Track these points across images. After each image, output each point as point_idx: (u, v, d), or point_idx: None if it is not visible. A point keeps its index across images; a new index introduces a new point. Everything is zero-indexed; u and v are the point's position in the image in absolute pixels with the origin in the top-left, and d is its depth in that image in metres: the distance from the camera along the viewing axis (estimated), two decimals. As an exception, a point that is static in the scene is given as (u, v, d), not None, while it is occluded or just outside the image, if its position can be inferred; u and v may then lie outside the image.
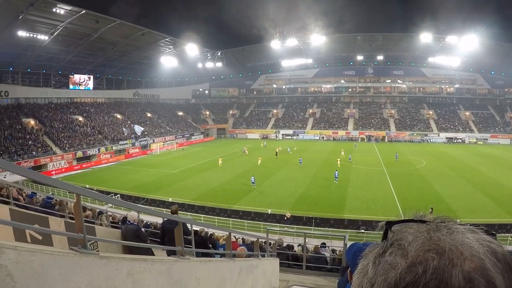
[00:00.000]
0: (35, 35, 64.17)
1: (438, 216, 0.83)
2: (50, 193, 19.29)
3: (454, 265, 0.67)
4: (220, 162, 56.70)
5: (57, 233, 6.48)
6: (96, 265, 3.18)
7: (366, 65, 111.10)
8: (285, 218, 30.18)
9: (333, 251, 16.64)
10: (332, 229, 28.51)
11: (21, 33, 61.45)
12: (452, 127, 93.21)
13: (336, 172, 45.31)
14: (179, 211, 9.36)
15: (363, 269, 0.79)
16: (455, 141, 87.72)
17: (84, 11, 62.16)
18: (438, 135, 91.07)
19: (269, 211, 32.74)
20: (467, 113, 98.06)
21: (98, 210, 14.63)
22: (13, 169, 2.97)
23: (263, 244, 12.55)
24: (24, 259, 2.53)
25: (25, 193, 12.47)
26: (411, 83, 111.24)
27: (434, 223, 0.79)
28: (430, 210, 26.68)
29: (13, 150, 54.89)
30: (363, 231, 27.84)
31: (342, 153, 61.99)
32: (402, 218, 0.85)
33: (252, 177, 43.98)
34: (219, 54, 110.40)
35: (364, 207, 34.71)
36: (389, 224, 0.84)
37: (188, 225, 6.82)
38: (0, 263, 2.38)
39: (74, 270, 2.94)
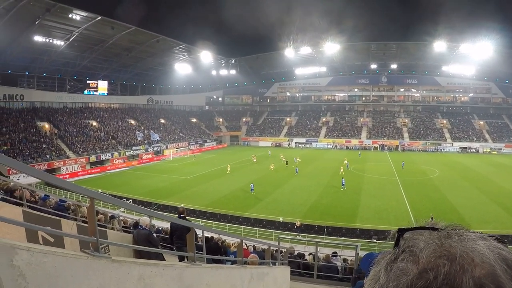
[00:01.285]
0: (51, 40, 65.07)
1: (449, 224, 0.84)
2: (63, 196, 19.42)
3: (465, 271, 0.68)
4: (228, 169, 56.63)
5: (71, 235, 6.52)
6: (108, 268, 3.18)
7: (380, 74, 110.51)
8: (295, 226, 30.08)
9: (345, 260, 16.49)
10: (343, 238, 28.35)
11: (37, 38, 62.38)
12: (466, 136, 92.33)
13: (343, 179, 45.87)
14: (190, 218, 9.34)
15: (375, 276, 0.80)
16: (469, 150, 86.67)
17: (99, 18, 62.95)
18: (452, 145, 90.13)
19: (281, 219, 32.69)
20: (481, 123, 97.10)
21: (110, 215, 14.69)
22: (31, 171, 2.99)
23: (274, 252, 12.50)
24: (37, 260, 2.53)
25: (37, 195, 12.56)
26: (425, 92, 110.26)
27: (445, 231, 0.80)
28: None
29: (27, 153, 55.44)
30: (375, 240, 27.62)
31: (346, 161, 61.86)
32: (414, 226, 0.87)
33: (252, 184, 44.38)
34: (233, 61, 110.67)
35: (377, 216, 34.42)
36: (401, 231, 0.86)
37: (199, 232, 6.82)
38: (13, 263, 2.38)
39: (86, 273, 2.94)
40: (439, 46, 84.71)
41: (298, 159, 64.09)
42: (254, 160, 67.70)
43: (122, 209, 30.14)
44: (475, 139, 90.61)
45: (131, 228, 13.50)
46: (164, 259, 7.78)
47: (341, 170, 54.38)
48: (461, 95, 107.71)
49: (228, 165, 58.06)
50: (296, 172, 54.59)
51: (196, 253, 5.43)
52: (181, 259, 8.43)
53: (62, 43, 67.21)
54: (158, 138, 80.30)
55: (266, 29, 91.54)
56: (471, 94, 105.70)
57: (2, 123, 60.92)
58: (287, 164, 60.81)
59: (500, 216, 33.77)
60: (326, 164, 62.12)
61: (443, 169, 59.59)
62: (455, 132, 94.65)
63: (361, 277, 7.35)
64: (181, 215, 9.31)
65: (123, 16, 69.31)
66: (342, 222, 32.47)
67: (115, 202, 4.37)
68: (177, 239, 8.92)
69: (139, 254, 7.39)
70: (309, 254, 16.85)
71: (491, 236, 0.78)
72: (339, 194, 42.84)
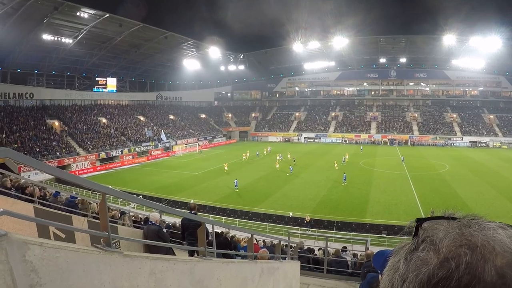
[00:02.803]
0: (59, 39, 65.36)
1: (467, 214, 0.83)
2: (74, 192, 19.55)
3: (486, 260, 0.67)
4: (226, 168, 55.08)
5: (83, 230, 6.56)
6: (120, 263, 3.19)
7: (389, 68, 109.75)
8: (305, 221, 30.06)
9: (354, 255, 16.49)
10: (353, 233, 28.29)
11: (46, 37, 62.65)
12: (476, 130, 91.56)
13: (345, 174, 45.72)
14: (200, 213, 9.34)
15: (394, 266, 0.79)
16: (479, 145, 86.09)
17: (107, 15, 63.09)
18: (462, 139, 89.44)
19: (291, 214, 32.70)
20: (491, 117, 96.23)
21: (121, 211, 14.79)
22: (45, 168, 3.00)
23: (284, 247, 12.51)
24: (49, 255, 2.54)
25: (48, 192, 12.65)
26: (434, 85, 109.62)
27: (465, 220, 0.79)
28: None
29: (37, 150, 55.83)
30: (384, 235, 27.55)
31: (347, 156, 62.02)
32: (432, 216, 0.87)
33: (235, 180, 44.13)
34: (241, 57, 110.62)
35: (386, 211, 34.33)
36: (420, 221, 0.85)
37: (209, 226, 6.82)
38: (25, 258, 2.40)
39: (98, 267, 2.96)
40: (448, 39, 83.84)
41: (294, 161, 63.63)
42: (244, 158, 66.81)
43: (132, 206, 30.28)
44: (485, 133, 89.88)
45: (142, 223, 13.58)
46: (174, 255, 7.81)
47: (335, 165, 54.98)
48: (471, 89, 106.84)
49: (225, 164, 56.77)
50: (291, 171, 52.49)
51: (207, 248, 5.45)
52: (191, 255, 8.46)
53: (70, 41, 67.52)
54: (165, 139, 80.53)
55: (274, 24, 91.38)
56: (481, 88, 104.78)
57: (12, 121, 61.46)
58: (294, 161, 59.57)
59: (510, 211, 33.51)
60: (335, 159, 61.76)
61: (453, 163, 59.26)
62: (465, 126, 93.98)
63: (371, 270, 7.33)
64: (193, 212, 9.32)
65: (131, 13, 69.35)
66: (351, 217, 32.43)
67: (127, 197, 4.38)
68: (189, 236, 8.92)
69: (149, 250, 7.43)
70: (318, 249, 16.86)
71: (510, 226, 0.79)
72: (349, 189, 42.72)
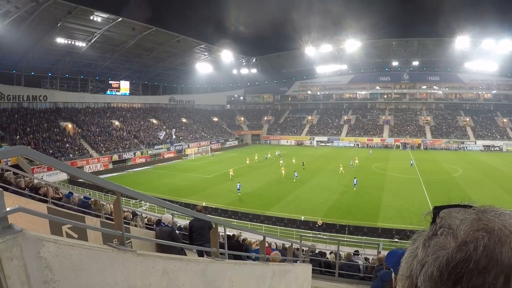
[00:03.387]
0: (73, 42, 66.22)
1: (483, 205, 0.85)
2: (87, 193, 19.69)
3: (503, 243, 0.69)
4: (231, 173, 52.70)
5: (97, 229, 6.59)
6: (133, 262, 3.20)
7: (402, 71, 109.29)
8: (317, 225, 29.95)
9: (366, 259, 16.40)
10: (365, 237, 28.15)
11: (60, 40, 63.42)
12: (489, 134, 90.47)
13: (355, 179, 44.89)
14: (211, 216, 9.33)
15: (413, 253, 0.81)
16: (492, 149, 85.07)
17: (120, 19, 63.69)
18: (475, 143, 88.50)
19: (302, 218, 32.60)
20: (505, 120, 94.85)
21: (133, 212, 14.85)
22: (60, 166, 3.03)
23: (295, 250, 12.47)
24: (63, 252, 2.56)
25: (61, 193, 12.74)
26: (447, 89, 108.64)
27: (481, 207, 0.82)
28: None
29: (50, 152, 56.28)
30: (396, 240, 27.35)
31: (356, 161, 61.54)
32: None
33: (238, 184, 43.98)
34: (254, 60, 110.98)
35: (399, 215, 34.07)
36: (437, 208, 0.88)
37: (221, 230, 6.84)
38: (40, 255, 2.41)
39: (112, 265, 2.97)
40: (461, 42, 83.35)
41: (296, 162, 63.27)
42: (247, 162, 65.50)
43: (144, 208, 30.37)
44: (498, 137, 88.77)
45: (154, 225, 13.64)
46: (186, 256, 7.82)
47: (341, 169, 54.45)
48: (484, 92, 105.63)
49: (231, 169, 54.48)
50: (296, 177, 50.72)
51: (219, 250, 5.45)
52: (200, 256, 8.49)
53: (84, 44, 68.23)
54: (174, 136, 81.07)
55: (287, 28, 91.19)
56: (494, 91, 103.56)
57: (26, 123, 62.13)
58: (303, 165, 58.84)
59: (525, 215, 33.07)
60: (345, 163, 61.52)
61: (466, 167, 58.64)
62: (478, 130, 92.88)
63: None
64: (200, 214, 9.36)
65: (144, 17, 69.84)
66: (363, 221, 32.22)
67: (140, 196, 4.40)
68: (198, 236, 8.96)
69: (162, 250, 7.44)
70: (330, 253, 16.79)
71: None
72: (361, 193, 42.46)
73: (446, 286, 0.67)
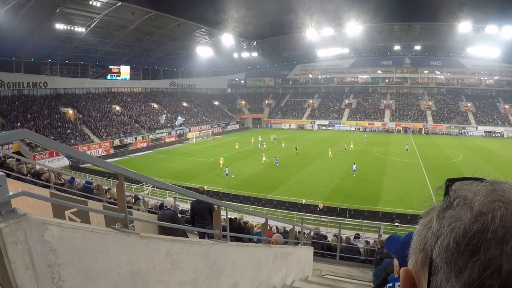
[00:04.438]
0: (72, 28, 65.74)
1: (494, 178, 0.83)
2: (89, 178, 19.75)
3: None
4: (221, 161, 49.98)
5: (100, 211, 6.62)
6: (137, 244, 3.22)
7: (403, 55, 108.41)
8: (318, 209, 30.05)
9: (367, 242, 16.50)
10: (366, 221, 28.25)
11: (59, 26, 63.00)
12: (490, 120, 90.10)
13: (354, 165, 44.06)
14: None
15: (426, 225, 0.79)
16: (494, 135, 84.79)
17: (119, 3, 63.19)
18: (476, 129, 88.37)
19: (303, 201, 32.74)
20: (507, 106, 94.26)
21: (135, 196, 14.93)
22: (61, 148, 3.03)
23: (297, 233, 12.55)
24: (67, 235, 2.57)
25: (63, 179, 12.79)
26: (449, 74, 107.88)
27: (494, 180, 0.80)
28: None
29: (52, 138, 56.11)
30: (397, 224, 27.49)
31: (352, 145, 60.99)
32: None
33: (226, 169, 44.00)
34: (254, 44, 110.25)
35: (399, 200, 34.22)
36: (450, 181, 0.88)
37: (223, 211, 6.86)
38: (44, 238, 2.42)
39: (115, 248, 2.99)
40: (464, 27, 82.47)
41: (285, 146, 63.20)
42: (236, 147, 63.65)
43: (146, 192, 30.44)
44: (500, 123, 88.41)
45: (157, 209, 13.72)
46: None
47: (330, 153, 54.40)
48: (486, 78, 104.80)
49: (221, 158, 51.58)
50: (276, 163, 49.87)
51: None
52: (201, 238, 8.56)
53: (83, 29, 67.82)
54: (181, 121, 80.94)
55: (288, 11, 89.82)
56: (496, 77, 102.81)
57: (27, 110, 62.09)
58: (296, 150, 58.53)
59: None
60: (354, 146, 61.49)
61: (467, 153, 58.57)
62: (479, 116, 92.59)
63: (384, 257, 7.33)
64: (201, 196, 9.41)
65: (143, 1, 69.23)
66: (364, 205, 32.37)
67: (143, 178, 4.41)
68: (199, 219, 9.03)
69: (164, 234, 7.49)
70: (334, 235, 16.90)
71: None
72: (362, 177, 42.52)
73: (463, 257, 0.66)
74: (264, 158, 51.43)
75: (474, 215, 0.70)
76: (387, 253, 7.20)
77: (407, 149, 59.74)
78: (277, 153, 56.06)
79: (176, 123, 79.89)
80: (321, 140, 74.03)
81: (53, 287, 2.44)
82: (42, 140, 2.79)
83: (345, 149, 59.41)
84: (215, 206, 5.85)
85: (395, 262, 2.71)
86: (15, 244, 2.22)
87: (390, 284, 2.57)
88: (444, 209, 0.77)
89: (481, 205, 0.71)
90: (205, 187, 35.22)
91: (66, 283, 2.51)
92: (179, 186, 37.98)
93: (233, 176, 43.26)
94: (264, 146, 62.05)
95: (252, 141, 68.80)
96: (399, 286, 2.53)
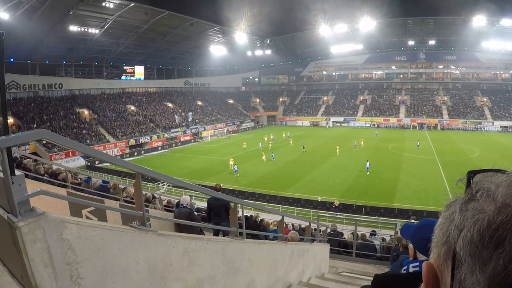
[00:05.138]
0: (86, 29, 66.41)
1: None
2: (105, 177, 19.93)
3: None
4: (231, 162, 48.43)
5: (118, 209, 6.67)
6: (154, 242, 3.24)
7: (418, 50, 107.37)
8: (334, 206, 29.94)
9: (383, 239, 16.40)
10: (382, 218, 28.11)
11: (73, 28, 63.66)
12: (507, 115, 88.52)
13: (368, 162, 43.30)
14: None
15: (448, 218, 0.78)
16: (510, 130, 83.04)
17: (132, 4, 63.52)
18: (492, 124, 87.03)
19: (319, 198, 32.65)
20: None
21: (152, 194, 15.01)
22: (79, 148, 3.06)
23: (313, 230, 12.51)
24: (85, 233, 2.59)
25: (80, 178, 12.90)
26: (464, 68, 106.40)
27: None
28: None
29: (68, 139, 56.73)
30: (413, 221, 27.25)
31: (362, 142, 60.80)
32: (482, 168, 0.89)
33: (235, 166, 44.51)
34: (268, 41, 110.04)
35: (416, 196, 33.92)
36: (472, 173, 0.87)
37: (239, 209, 6.88)
38: (63, 237, 2.44)
39: (133, 245, 3.01)
40: (478, 20, 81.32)
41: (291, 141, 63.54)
42: (244, 146, 62.15)
43: (162, 190, 30.56)
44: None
45: (173, 207, 13.79)
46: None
47: (337, 150, 54.02)
48: (502, 72, 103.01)
49: (231, 159, 50.29)
50: (273, 158, 51.61)
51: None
52: (215, 235, 8.60)
53: (97, 31, 68.38)
54: (191, 119, 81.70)
55: (301, 7, 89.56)
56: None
57: (43, 111, 62.92)
58: (304, 148, 57.90)
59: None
60: (365, 143, 61.18)
61: (483, 148, 57.79)
62: (495, 111, 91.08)
63: (400, 254, 7.29)
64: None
65: (156, 1, 69.51)
66: (380, 201, 32.16)
67: (160, 176, 4.44)
68: (215, 216, 9.08)
69: (181, 232, 7.53)
70: (351, 233, 16.85)
71: None
72: (377, 173, 42.24)
73: (488, 249, 0.65)
74: (264, 158, 51.44)
75: (498, 207, 0.69)
76: (402, 250, 7.18)
77: (418, 146, 58.91)
78: (287, 151, 56.81)
79: (189, 118, 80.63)
80: (334, 138, 73.56)
81: (72, 285, 2.46)
82: (59, 140, 2.82)
83: (355, 146, 59.16)
84: (231, 203, 5.86)
85: (410, 246, 2.75)
86: (34, 242, 2.25)
87: (405, 267, 2.59)
88: (467, 201, 0.76)
89: (504, 196, 0.70)
90: (221, 185, 35.35)
91: (84, 280, 2.53)
92: (196, 184, 38.23)
93: (238, 174, 43.51)
94: (270, 145, 61.85)
95: (266, 139, 68.57)
96: (413, 267, 2.55)
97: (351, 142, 62.64)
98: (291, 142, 66.00)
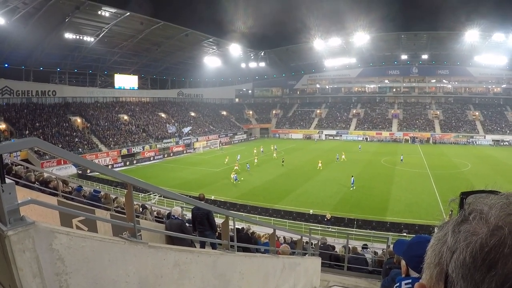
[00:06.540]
0: (81, 37, 66.47)
1: (509, 191, 0.83)
2: (96, 187, 19.80)
3: None
4: (234, 170, 49.28)
5: (109, 220, 6.62)
6: (145, 254, 3.21)
7: (411, 65, 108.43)
8: (326, 219, 29.91)
9: (375, 253, 16.38)
10: (373, 231, 28.10)
11: (68, 35, 63.71)
12: (499, 129, 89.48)
13: (353, 178, 42.48)
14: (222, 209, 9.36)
15: (441, 240, 0.79)
16: (502, 144, 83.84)
17: (128, 13, 63.89)
18: (484, 137, 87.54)
19: (311, 211, 32.57)
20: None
21: (142, 205, 14.94)
22: (70, 157, 3.03)
23: (304, 244, 12.48)
24: (75, 244, 2.56)
25: (71, 187, 12.82)
26: (456, 83, 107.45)
27: (510, 193, 0.80)
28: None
29: (60, 147, 56.41)
30: (405, 234, 27.27)
31: (343, 156, 60.09)
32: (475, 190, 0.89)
33: (235, 175, 45.14)
34: (262, 54, 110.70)
35: (407, 210, 33.93)
36: (465, 194, 0.88)
37: (231, 221, 6.86)
38: (52, 247, 2.41)
39: (123, 257, 2.97)
40: (470, 35, 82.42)
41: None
42: (226, 161, 60.01)
43: (153, 201, 30.41)
44: (508, 131, 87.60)
45: (164, 218, 13.73)
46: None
47: (319, 164, 53.19)
48: (494, 86, 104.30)
49: (234, 170, 50.08)
50: (248, 168, 52.74)
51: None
52: (202, 247, 8.58)
53: (92, 39, 68.48)
54: (189, 130, 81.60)
55: (295, 21, 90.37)
56: (504, 85, 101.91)
57: (35, 118, 62.69)
58: (283, 162, 57.26)
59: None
60: (357, 156, 61.39)
61: (475, 162, 58.14)
62: (487, 125, 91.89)
63: (393, 267, 7.28)
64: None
65: (152, 11, 69.86)
66: (372, 215, 32.13)
67: (151, 188, 4.41)
68: (199, 225, 9.11)
69: (172, 244, 7.48)
70: (342, 247, 16.82)
71: None
72: (369, 187, 42.37)
73: (480, 271, 0.65)
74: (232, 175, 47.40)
75: (490, 229, 0.69)
76: (395, 263, 7.17)
77: (402, 160, 58.49)
78: (273, 164, 57.15)
79: (184, 131, 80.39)
80: (317, 150, 73.21)
81: (61, 296, 2.43)
82: (51, 149, 2.79)
83: (338, 159, 59.32)
84: (223, 215, 5.83)
85: (402, 262, 2.75)
86: (23, 252, 2.22)
87: (397, 284, 2.58)
88: (460, 223, 0.76)
89: (497, 218, 0.71)
90: (213, 197, 35.38)
91: (73, 292, 2.50)
92: (187, 195, 38.08)
93: (242, 178, 43.87)
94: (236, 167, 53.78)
95: (255, 151, 68.22)
96: (405, 284, 2.55)
97: (332, 155, 62.66)
98: (274, 155, 65.90)
